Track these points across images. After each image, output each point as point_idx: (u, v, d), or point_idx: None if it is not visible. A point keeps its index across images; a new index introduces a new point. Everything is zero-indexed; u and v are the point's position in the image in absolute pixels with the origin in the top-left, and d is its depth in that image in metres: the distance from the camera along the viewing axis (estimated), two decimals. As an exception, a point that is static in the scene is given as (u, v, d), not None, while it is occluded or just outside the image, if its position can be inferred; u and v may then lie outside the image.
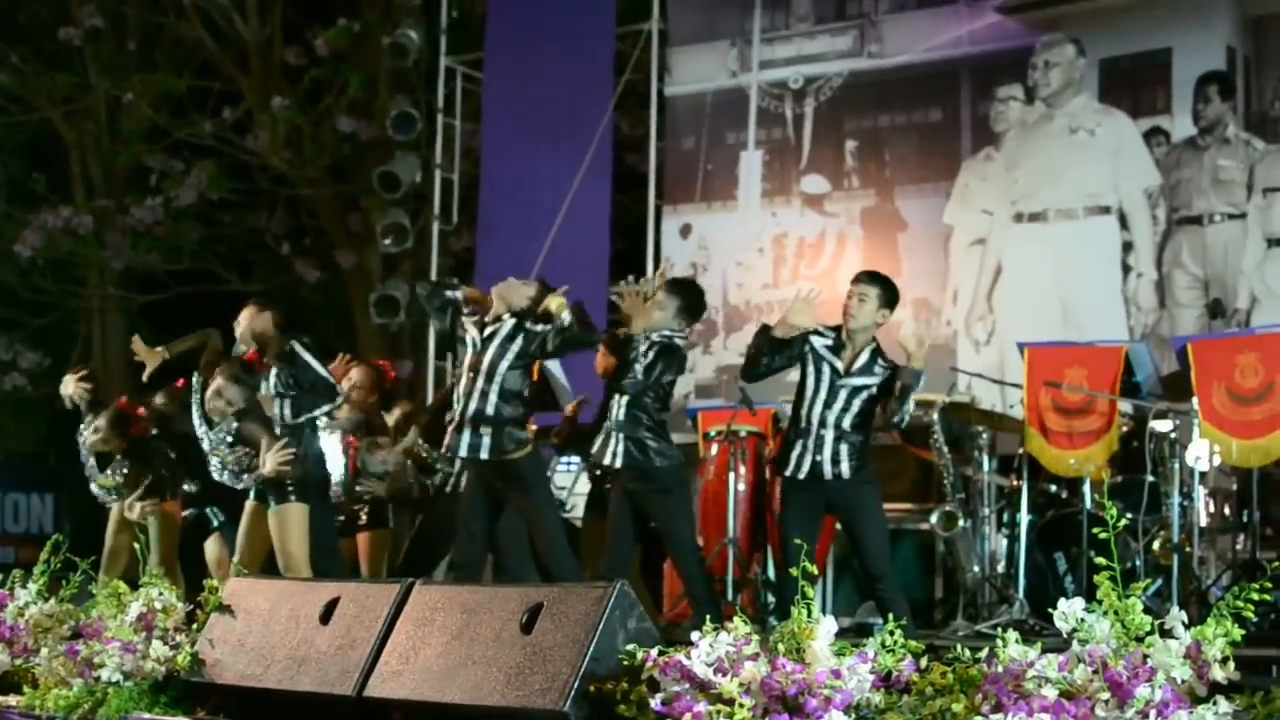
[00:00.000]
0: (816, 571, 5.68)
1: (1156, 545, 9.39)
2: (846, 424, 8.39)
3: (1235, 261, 12.25)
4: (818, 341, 8.50)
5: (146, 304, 20.27)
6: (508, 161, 15.55)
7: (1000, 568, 10.17)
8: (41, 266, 20.10)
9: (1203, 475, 9.45)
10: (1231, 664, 4.93)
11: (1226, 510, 9.74)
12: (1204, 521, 9.54)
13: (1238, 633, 4.98)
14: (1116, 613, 5.06)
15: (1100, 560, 5.29)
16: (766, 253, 14.59)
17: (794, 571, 5.43)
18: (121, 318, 20.41)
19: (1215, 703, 4.83)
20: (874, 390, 8.43)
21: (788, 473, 8.50)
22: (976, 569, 9.93)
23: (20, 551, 8.28)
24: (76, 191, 20.37)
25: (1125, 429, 9.86)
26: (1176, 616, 5.04)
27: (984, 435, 10.28)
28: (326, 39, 18.52)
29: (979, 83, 13.91)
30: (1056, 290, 13.07)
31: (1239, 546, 9.43)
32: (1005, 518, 10.20)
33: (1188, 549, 9.23)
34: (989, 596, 10.10)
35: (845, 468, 8.38)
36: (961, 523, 9.86)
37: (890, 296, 8.55)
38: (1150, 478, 9.61)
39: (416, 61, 16.58)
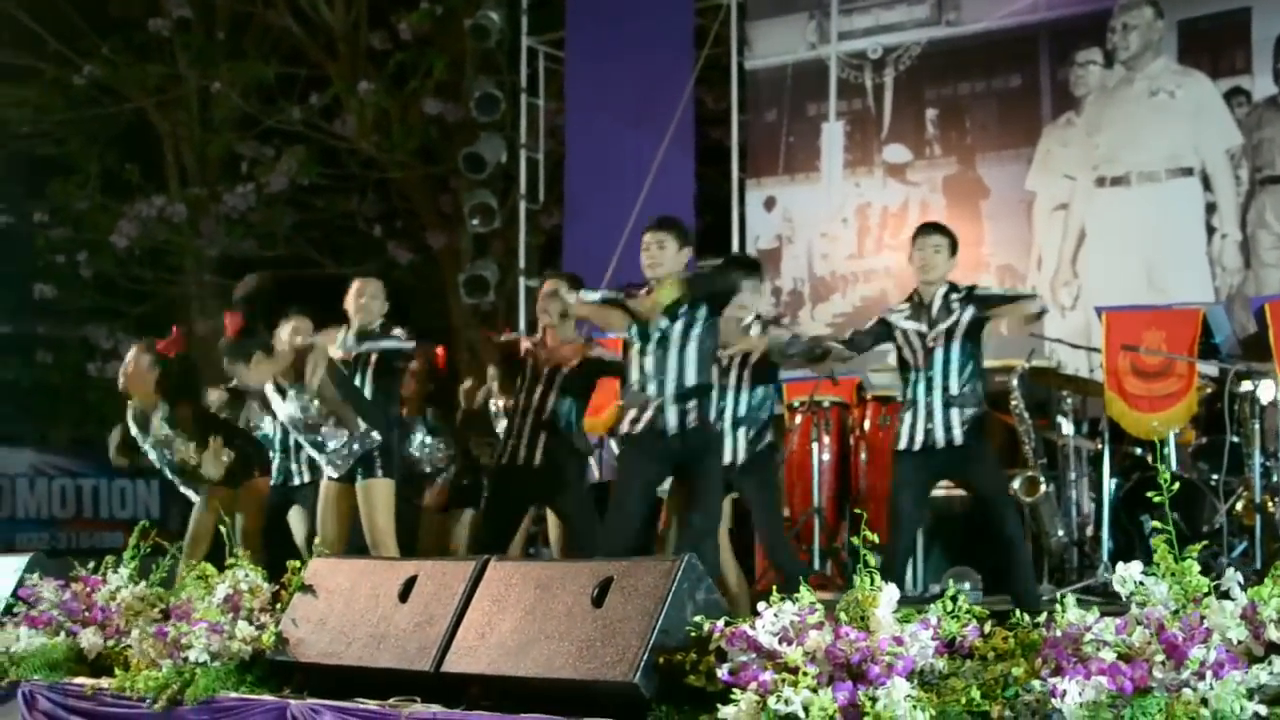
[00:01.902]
0: (878, 540, 5.70)
1: (1240, 506, 9.40)
2: (954, 383, 8.27)
3: (1321, 222, 12.20)
4: (896, 317, 8.49)
5: (244, 290, 20.47)
6: (592, 140, 15.60)
7: (1088, 532, 10.19)
8: (139, 256, 20.44)
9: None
10: (1289, 625, 4.96)
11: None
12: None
13: (1296, 593, 5.02)
14: (1174, 575, 5.11)
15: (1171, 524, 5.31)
16: (850, 223, 14.60)
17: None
18: (219, 304, 20.65)
19: (1270, 662, 4.86)
20: (965, 325, 8.31)
21: (901, 446, 8.38)
22: (1061, 533, 9.96)
23: (128, 536, 8.48)
24: (170, 181, 20.67)
25: (1208, 390, 9.88)
26: (1232, 578, 5.07)
27: (1068, 400, 10.30)
28: (410, 22, 18.68)
29: (1057, 48, 13.86)
30: (1140, 254, 13.03)
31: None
32: (1090, 481, 10.22)
33: (1270, 508, 9.22)
34: (1076, 561, 10.13)
35: (958, 433, 8.26)
36: (1044, 488, 9.88)
37: (955, 243, 8.51)
38: (1234, 439, 9.63)
39: (499, 42, 16.65)
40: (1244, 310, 11.05)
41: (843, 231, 14.58)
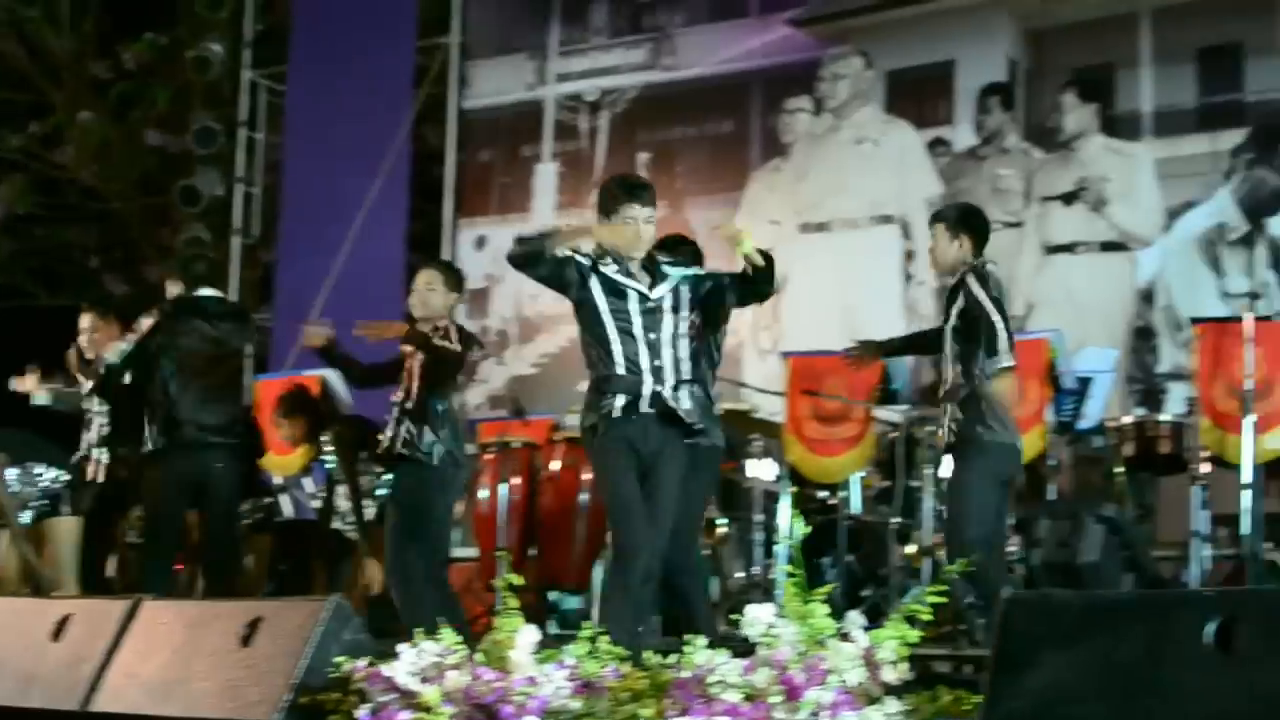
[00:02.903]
0: (519, 582, 5.75)
1: (911, 549, 9.59)
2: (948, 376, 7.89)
3: (1012, 269, 12.45)
4: None
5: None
6: (309, 175, 15.56)
7: (770, 574, 10.30)
8: None
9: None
10: (905, 665, 5.09)
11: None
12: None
13: (914, 635, 5.15)
14: (801, 618, 5.22)
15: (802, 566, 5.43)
16: (561, 264, 14.64)
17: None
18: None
19: (884, 703, 5.00)
20: (956, 321, 7.90)
21: None
22: (740, 574, 10.09)
23: None
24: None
25: (889, 436, 10.09)
26: (854, 620, 5.20)
27: (757, 443, 10.44)
28: (133, 52, 18.45)
29: (769, 95, 14.11)
30: (840, 299, 13.26)
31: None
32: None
33: (940, 552, 9.40)
34: (761, 601, 10.23)
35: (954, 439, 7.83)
36: (724, 530, 10.01)
37: (959, 221, 8.09)
38: (913, 483, 9.82)
39: (222, 75, 16.53)
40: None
41: (552, 272, 14.61)
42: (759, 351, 13.31)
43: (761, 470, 10.25)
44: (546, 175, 14.93)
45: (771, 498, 10.21)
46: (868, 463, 9.94)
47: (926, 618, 5.19)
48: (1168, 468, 9.76)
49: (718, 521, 10.06)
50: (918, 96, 13.68)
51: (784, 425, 9.88)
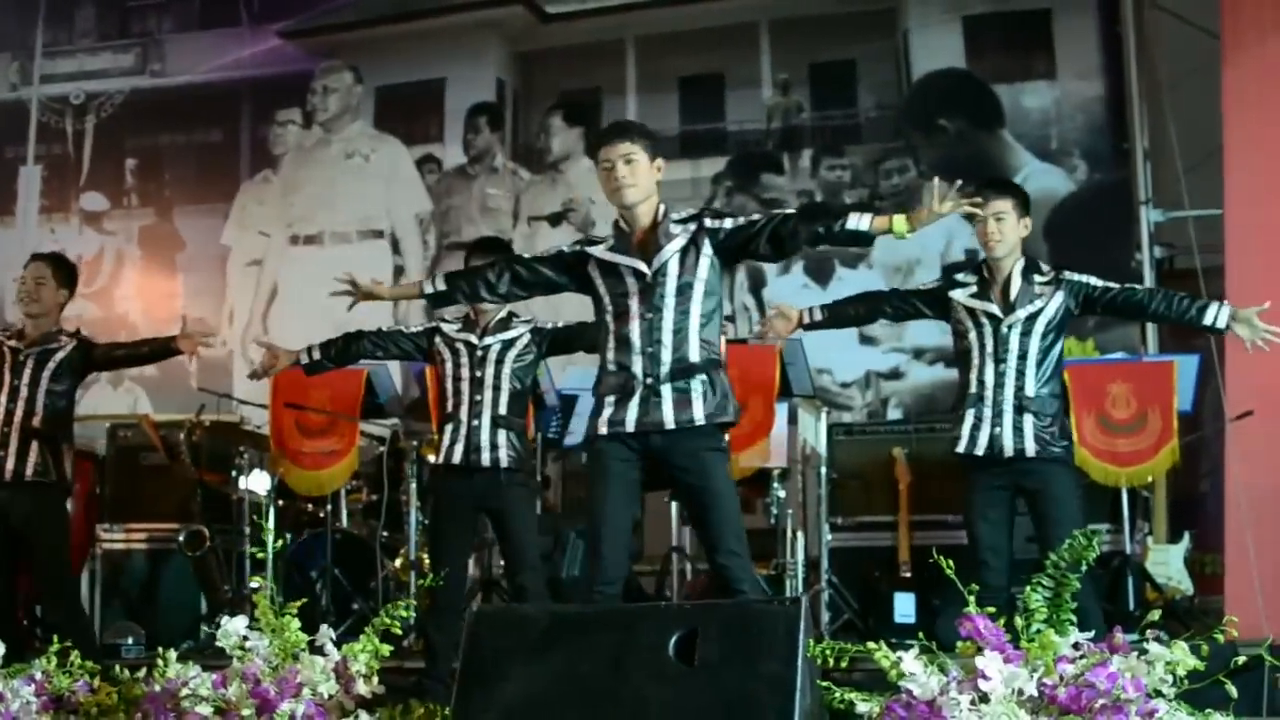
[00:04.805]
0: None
1: (398, 563, 9.69)
2: (1030, 382, 7.06)
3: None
4: (961, 294, 7.30)
5: None
6: None
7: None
8: None
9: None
10: (376, 679, 5.20)
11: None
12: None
13: (386, 649, 5.26)
14: (274, 631, 5.27)
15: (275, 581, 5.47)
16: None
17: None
18: None
19: (357, 716, 5.08)
20: (1052, 314, 7.12)
21: (960, 449, 7.19)
22: (227, 588, 10.03)
23: None
24: None
25: (379, 450, 10.17)
26: (326, 634, 5.28)
27: (246, 454, 10.38)
28: None
29: (259, 105, 14.07)
30: (330, 312, 13.21)
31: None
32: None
33: (425, 565, 9.47)
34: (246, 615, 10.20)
35: (1030, 444, 7.05)
36: (210, 541, 9.93)
37: (1025, 201, 7.28)
38: (404, 496, 9.90)
39: None
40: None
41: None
42: (248, 362, 13.20)
43: (253, 483, 10.21)
44: (30, 178, 14.57)
45: (260, 511, 10.19)
46: (353, 476, 9.97)
47: (397, 632, 5.30)
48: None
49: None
50: (408, 113, 13.83)
51: (271, 439, 9.85)
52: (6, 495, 8.00)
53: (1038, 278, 7.12)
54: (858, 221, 6.07)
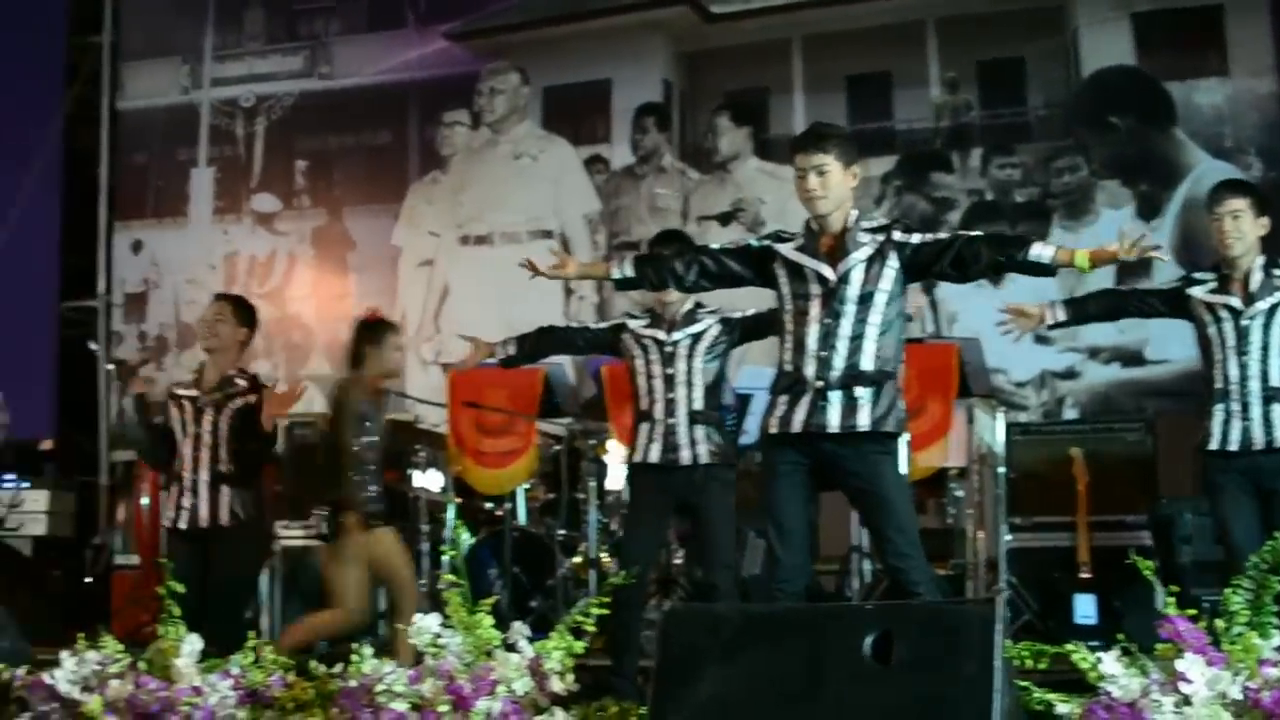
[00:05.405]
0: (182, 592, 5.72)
1: (578, 560, 9.72)
2: (1275, 372, 6.99)
3: (678, 287, 12.68)
4: (1199, 290, 7.22)
5: None
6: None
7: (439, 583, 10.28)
8: None
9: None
10: (571, 676, 5.21)
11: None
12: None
13: (579, 646, 5.26)
14: (467, 628, 5.29)
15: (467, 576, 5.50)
16: (218, 270, 14.53)
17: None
18: None
19: (552, 713, 5.09)
20: None
21: (1213, 446, 7.08)
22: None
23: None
24: None
25: (555, 448, 10.22)
26: (519, 631, 5.29)
27: (422, 453, 10.45)
28: None
29: (427, 107, 14.16)
30: (500, 311, 13.31)
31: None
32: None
33: (605, 563, 9.49)
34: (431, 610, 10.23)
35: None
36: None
37: (1260, 199, 7.22)
38: (579, 495, 9.94)
39: None
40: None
41: (210, 278, 14.45)
42: (421, 362, 13.34)
43: (427, 481, 10.27)
44: (203, 179, 14.76)
45: (438, 508, 10.25)
46: (533, 475, 10.01)
47: (591, 629, 5.31)
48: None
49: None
50: (574, 114, 13.86)
51: (448, 437, 9.90)
52: (199, 546, 7.91)
53: (1277, 272, 7.06)
54: (1040, 252, 6.13)
